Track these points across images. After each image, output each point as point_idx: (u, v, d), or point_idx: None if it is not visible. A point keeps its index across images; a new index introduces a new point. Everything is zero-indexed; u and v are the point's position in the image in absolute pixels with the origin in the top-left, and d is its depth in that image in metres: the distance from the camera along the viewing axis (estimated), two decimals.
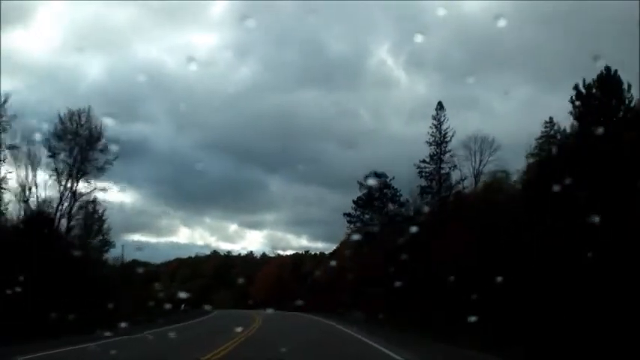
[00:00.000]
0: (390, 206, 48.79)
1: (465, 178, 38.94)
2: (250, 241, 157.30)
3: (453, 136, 39.34)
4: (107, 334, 16.26)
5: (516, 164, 33.55)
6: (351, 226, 53.79)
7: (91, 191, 34.44)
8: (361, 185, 48.69)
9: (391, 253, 36.78)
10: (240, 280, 77.40)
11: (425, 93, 78.03)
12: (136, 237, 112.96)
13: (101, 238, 37.80)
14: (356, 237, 53.65)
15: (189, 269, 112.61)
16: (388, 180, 48.33)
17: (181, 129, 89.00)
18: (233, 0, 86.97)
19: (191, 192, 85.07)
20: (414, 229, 36.80)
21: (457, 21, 63.00)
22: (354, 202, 52.91)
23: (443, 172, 39.44)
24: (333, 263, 56.30)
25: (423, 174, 39.73)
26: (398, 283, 24.05)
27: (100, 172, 34.43)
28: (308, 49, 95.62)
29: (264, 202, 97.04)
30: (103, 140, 34.13)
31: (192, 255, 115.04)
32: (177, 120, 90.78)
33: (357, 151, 74.68)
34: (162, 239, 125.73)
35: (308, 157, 78.02)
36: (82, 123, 34.05)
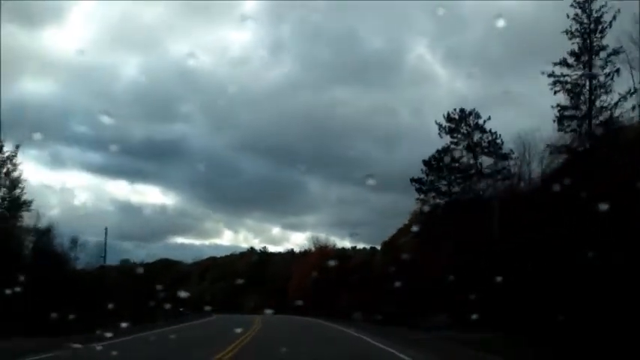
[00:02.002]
0: (485, 160, 32.24)
1: (633, 92, 22.15)
2: (293, 243, 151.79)
3: (613, 20, 22.28)
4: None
5: None
6: (422, 196, 37.57)
7: None
8: (441, 129, 32.29)
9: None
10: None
11: (464, 89, 73.50)
12: (179, 239, 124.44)
13: (9, 196, 23.02)
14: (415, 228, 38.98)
15: (221, 268, 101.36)
16: (482, 121, 31.87)
17: (218, 129, 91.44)
18: None
19: (231, 194, 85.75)
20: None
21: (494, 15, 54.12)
22: (425, 162, 36.75)
23: (595, 83, 22.42)
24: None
25: (561, 85, 22.75)
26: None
27: None
28: (343, 45, 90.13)
29: (305, 204, 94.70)
30: None
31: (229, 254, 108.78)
32: (213, 120, 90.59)
33: (397, 149, 68.69)
34: (206, 241, 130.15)
35: (347, 156, 73.99)
36: None
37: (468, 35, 74.73)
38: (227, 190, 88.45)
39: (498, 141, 30.72)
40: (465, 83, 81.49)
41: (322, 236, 57.72)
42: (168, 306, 32.55)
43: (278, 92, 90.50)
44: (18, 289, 14.12)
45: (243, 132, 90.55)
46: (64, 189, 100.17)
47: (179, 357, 14.64)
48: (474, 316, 15.41)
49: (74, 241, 32.85)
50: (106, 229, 43.16)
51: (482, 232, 25.38)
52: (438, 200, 37.90)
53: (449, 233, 31.15)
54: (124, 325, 16.06)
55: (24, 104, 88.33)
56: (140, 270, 45.99)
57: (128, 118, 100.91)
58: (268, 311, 45.22)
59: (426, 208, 37.38)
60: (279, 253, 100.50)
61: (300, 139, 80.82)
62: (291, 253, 79.35)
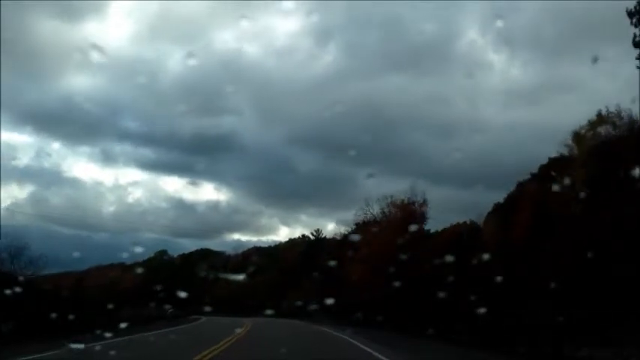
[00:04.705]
0: None
1: None
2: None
3: None
4: None
5: None
6: None
7: None
8: None
9: None
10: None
11: (520, 74, 67.83)
12: (236, 236, 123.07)
13: None
14: None
15: (265, 258, 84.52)
16: None
17: (267, 122, 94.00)
18: None
19: (284, 188, 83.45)
20: None
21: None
22: None
23: None
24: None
25: None
26: None
27: None
28: (392, 31, 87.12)
29: (359, 199, 73.51)
30: None
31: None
32: (263, 113, 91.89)
33: (453, 140, 62.69)
34: (263, 237, 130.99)
35: (401, 147, 69.65)
36: None
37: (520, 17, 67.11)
38: (280, 185, 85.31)
39: None
40: (520, 69, 74.26)
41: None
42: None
43: (328, 82, 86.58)
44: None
45: (293, 124, 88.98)
46: (116, 186, 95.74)
47: None
48: None
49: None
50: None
51: None
52: None
53: None
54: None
55: (71, 100, 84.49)
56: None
57: (177, 113, 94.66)
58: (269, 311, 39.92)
59: None
60: (334, 239, 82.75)
61: (349, 130, 68.92)
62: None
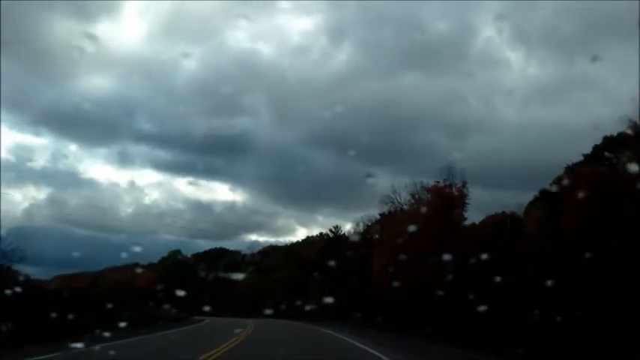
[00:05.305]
0: None
1: None
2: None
3: None
4: None
5: None
6: None
7: None
8: None
9: None
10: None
11: (538, 71, 68.66)
12: (253, 237, 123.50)
13: None
14: None
15: (281, 257, 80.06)
16: None
17: (282, 122, 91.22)
18: None
19: (299, 189, 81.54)
20: None
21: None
22: None
23: None
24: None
25: None
26: None
27: None
28: (407, 29, 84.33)
29: (375, 200, 70.03)
30: None
31: None
32: (278, 113, 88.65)
33: (469, 140, 60.28)
34: (281, 238, 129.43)
35: (417, 147, 69.24)
36: None
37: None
38: (295, 185, 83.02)
39: None
40: (538, 66, 72.33)
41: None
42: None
43: (342, 81, 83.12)
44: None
45: (308, 124, 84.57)
46: (133, 187, 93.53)
47: None
48: None
49: None
50: None
51: None
52: None
53: None
54: None
55: (86, 101, 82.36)
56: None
57: (192, 113, 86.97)
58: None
59: None
60: (352, 237, 78.72)
61: (364, 129, 68.07)
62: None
